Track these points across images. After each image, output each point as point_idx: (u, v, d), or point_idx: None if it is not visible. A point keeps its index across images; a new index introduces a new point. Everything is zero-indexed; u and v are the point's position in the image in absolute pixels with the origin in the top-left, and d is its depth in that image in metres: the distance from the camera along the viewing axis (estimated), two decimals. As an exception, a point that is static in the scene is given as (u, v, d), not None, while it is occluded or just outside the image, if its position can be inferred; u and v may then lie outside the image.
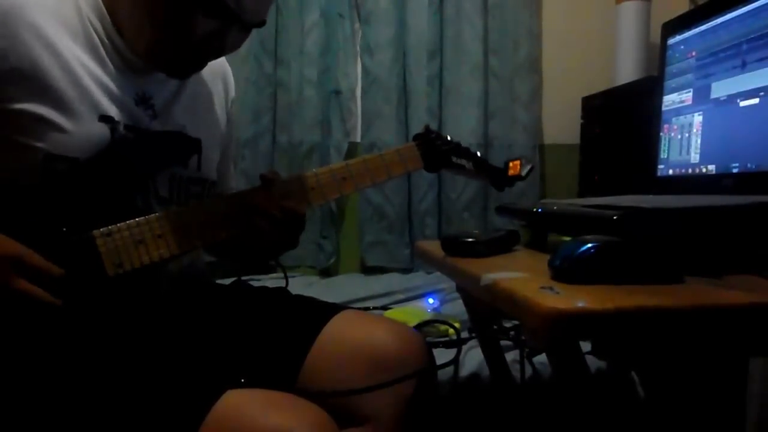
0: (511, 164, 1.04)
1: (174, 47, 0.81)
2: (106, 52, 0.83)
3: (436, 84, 2.31)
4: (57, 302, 0.71)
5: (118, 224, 0.77)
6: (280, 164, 2.31)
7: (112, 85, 0.82)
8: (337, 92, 2.31)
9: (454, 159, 1.02)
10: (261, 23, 0.84)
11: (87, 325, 0.75)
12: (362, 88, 2.33)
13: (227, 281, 1.04)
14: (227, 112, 1.03)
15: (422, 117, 2.29)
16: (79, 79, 0.79)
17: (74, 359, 0.73)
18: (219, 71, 1.02)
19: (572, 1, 2.41)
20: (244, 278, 1.06)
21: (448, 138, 1.03)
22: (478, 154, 1.05)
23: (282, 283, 1.02)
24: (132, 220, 0.78)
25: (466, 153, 1.03)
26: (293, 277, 1.51)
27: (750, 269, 0.63)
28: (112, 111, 0.81)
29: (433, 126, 2.28)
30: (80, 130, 0.78)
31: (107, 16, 0.82)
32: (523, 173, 1.02)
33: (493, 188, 1.09)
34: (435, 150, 1.00)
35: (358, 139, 2.35)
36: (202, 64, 0.88)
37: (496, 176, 1.05)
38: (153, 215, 0.80)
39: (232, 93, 1.06)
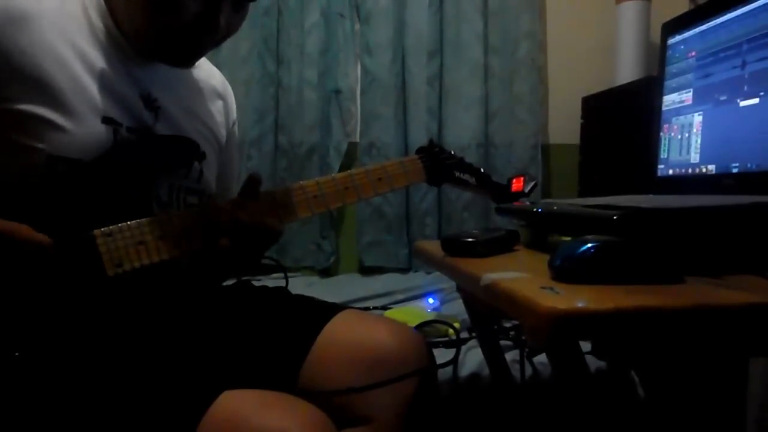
0: (514, 180, 1.04)
1: (166, 30, 0.80)
2: (110, 50, 0.82)
3: (436, 84, 2.31)
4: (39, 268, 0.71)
5: (119, 224, 0.77)
6: (280, 165, 2.31)
7: (116, 86, 0.82)
8: (337, 91, 2.31)
9: (457, 174, 1.02)
10: None
11: (85, 325, 0.75)
12: (362, 88, 2.33)
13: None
14: (228, 130, 1.02)
15: (422, 117, 2.30)
16: (83, 80, 0.79)
17: (72, 359, 0.72)
18: (221, 90, 1.02)
19: (572, 1, 2.41)
20: (244, 278, 1.06)
21: (452, 152, 1.03)
22: (482, 170, 1.05)
23: (282, 283, 1.02)
24: (133, 221, 0.78)
25: (469, 168, 1.04)
26: (293, 277, 1.51)
27: (750, 269, 0.63)
28: (116, 113, 0.81)
29: (433, 126, 2.29)
30: (82, 132, 0.77)
31: (108, 14, 0.82)
32: (526, 190, 1.03)
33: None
34: (438, 164, 1.00)
35: (358, 139, 2.35)
36: (200, 49, 0.86)
37: (498, 192, 1.05)
38: (154, 217, 0.80)
39: (234, 115, 1.05)
